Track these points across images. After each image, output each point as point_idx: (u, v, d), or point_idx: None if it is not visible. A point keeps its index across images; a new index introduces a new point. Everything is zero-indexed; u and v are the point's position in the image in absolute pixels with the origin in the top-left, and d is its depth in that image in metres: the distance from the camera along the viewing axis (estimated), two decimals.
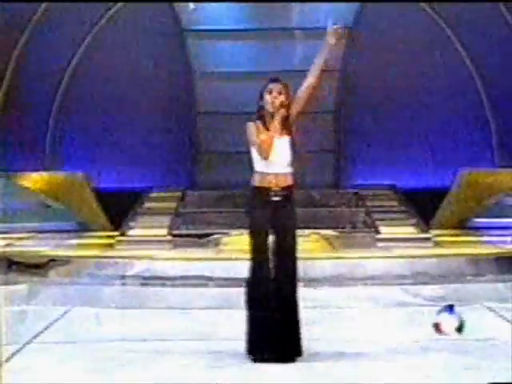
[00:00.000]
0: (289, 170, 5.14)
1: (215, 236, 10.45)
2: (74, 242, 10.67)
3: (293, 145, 5.14)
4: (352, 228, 11.48)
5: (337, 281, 7.81)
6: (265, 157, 5.04)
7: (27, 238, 10.89)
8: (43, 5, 12.79)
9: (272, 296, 5.05)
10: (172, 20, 13.44)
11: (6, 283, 7.68)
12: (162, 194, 12.60)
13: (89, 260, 8.72)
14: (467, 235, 11.17)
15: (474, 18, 12.88)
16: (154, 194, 12.61)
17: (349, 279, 7.85)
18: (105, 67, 13.33)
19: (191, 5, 13.15)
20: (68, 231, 11.70)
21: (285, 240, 5.11)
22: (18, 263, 8.53)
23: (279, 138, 5.09)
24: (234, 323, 5.79)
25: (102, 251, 9.61)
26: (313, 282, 7.60)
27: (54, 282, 8.04)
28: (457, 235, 11.13)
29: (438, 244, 9.92)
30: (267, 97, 5.11)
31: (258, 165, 5.13)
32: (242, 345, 5.11)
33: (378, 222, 11.07)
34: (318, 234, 10.48)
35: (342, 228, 11.24)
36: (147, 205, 12.19)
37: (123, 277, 8.03)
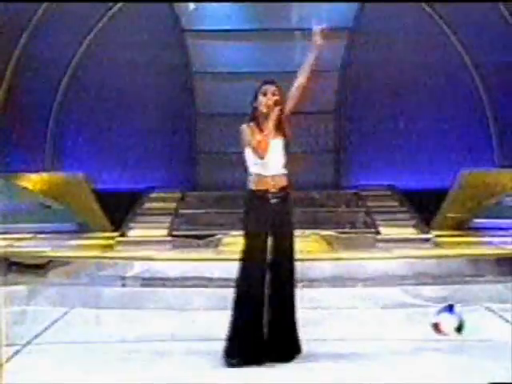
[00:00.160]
0: (284, 171, 5.17)
1: (215, 237, 10.43)
2: (74, 242, 10.66)
3: (287, 146, 5.15)
4: (352, 228, 11.46)
5: (336, 281, 7.80)
6: (261, 157, 5.05)
7: (27, 239, 10.88)
8: (44, 4, 12.78)
9: (262, 299, 5.03)
10: (172, 20, 13.43)
11: (6, 284, 7.67)
12: (162, 195, 12.59)
13: (89, 261, 8.71)
14: (467, 236, 11.16)
15: (474, 18, 12.86)
16: (153, 195, 12.60)
17: (349, 280, 7.85)
18: (105, 68, 13.32)
19: (191, 5, 13.14)
20: (68, 232, 11.69)
21: (283, 241, 5.12)
22: (17, 264, 8.52)
23: (273, 140, 5.10)
24: None
25: (101, 252, 9.60)
26: (312, 282, 7.59)
27: (53, 282, 8.03)
28: (457, 236, 11.12)
29: (438, 245, 9.91)
30: (261, 98, 5.14)
31: (254, 167, 5.14)
32: None
33: (378, 223, 11.05)
34: (318, 234, 10.46)
35: (342, 228, 11.22)
36: (147, 205, 12.18)
37: (123, 277, 8.03)
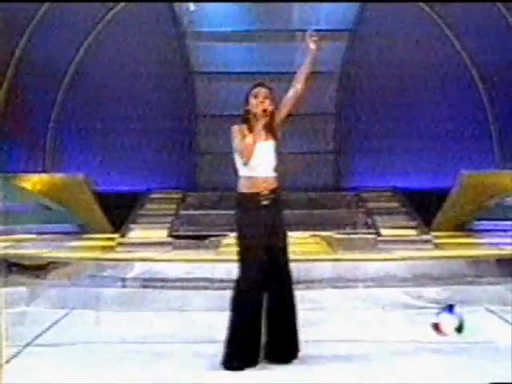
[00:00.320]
0: (274, 173, 5.16)
1: (216, 237, 10.43)
2: (74, 244, 10.65)
3: (277, 148, 5.15)
4: (352, 230, 11.46)
5: (337, 282, 7.80)
6: (245, 162, 5.03)
7: (27, 240, 10.88)
8: (44, 5, 12.78)
9: (260, 300, 5.01)
10: (172, 21, 13.44)
11: (6, 285, 7.66)
12: (162, 196, 12.59)
13: (89, 262, 8.70)
14: (468, 237, 11.15)
15: (474, 18, 12.86)
16: (154, 196, 12.60)
17: (349, 281, 7.84)
18: (105, 69, 13.33)
19: (191, 6, 13.14)
20: (68, 233, 11.70)
21: (276, 243, 5.09)
22: (18, 265, 8.52)
23: (264, 142, 5.09)
24: None
25: (102, 253, 9.60)
26: (313, 283, 7.59)
27: (54, 284, 8.03)
28: (457, 237, 11.11)
29: (438, 246, 9.90)
30: (253, 101, 5.12)
31: (245, 170, 5.12)
32: None
33: (378, 224, 11.05)
34: (319, 235, 10.45)
35: (343, 230, 11.21)
36: (147, 206, 12.18)
37: (123, 279, 8.02)
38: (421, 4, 13.33)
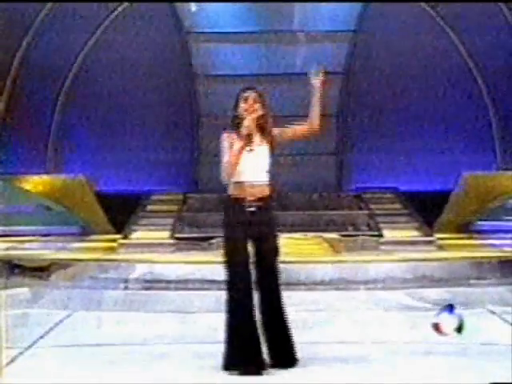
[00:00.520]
0: (266, 178, 5.02)
1: (217, 239, 10.43)
2: (76, 245, 10.66)
3: (271, 153, 5.06)
4: (355, 231, 11.45)
5: (339, 284, 7.80)
6: (226, 176, 4.94)
7: (29, 242, 10.88)
8: (47, 6, 12.80)
9: (251, 301, 4.95)
10: (174, 22, 13.44)
11: (8, 286, 7.66)
12: (165, 197, 12.59)
13: (91, 263, 8.71)
14: (470, 238, 11.15)
15: (476, 19, 12.86)
16: (156, 197, 12.59)
17: (351, 282, 7.84)
18: (107, 70, 13.34)
19: (193, 6, 13.14)
20: (70, 234, 11.70)
21: (263, 249, 4.99)
22: (20, 266, 8.53)
23: (258, 147, 5.01)
24: None
25: (104, 254, 9.61)
26: (315, 285, 7.59)
27: (56, 285, 8.04)
28: (460, 238, 11.10)
29: (441, 247, 9.91)
30: (242, 105, 5.07)
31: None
32: None
33: (381, 225, 11.04)
34: (321, 237, 10.45)
35: (345, 231, 11.21)
36: (149, 208, 12.18)
37: (125, 280, 8.03)
38: (423, 4, 13.33)
